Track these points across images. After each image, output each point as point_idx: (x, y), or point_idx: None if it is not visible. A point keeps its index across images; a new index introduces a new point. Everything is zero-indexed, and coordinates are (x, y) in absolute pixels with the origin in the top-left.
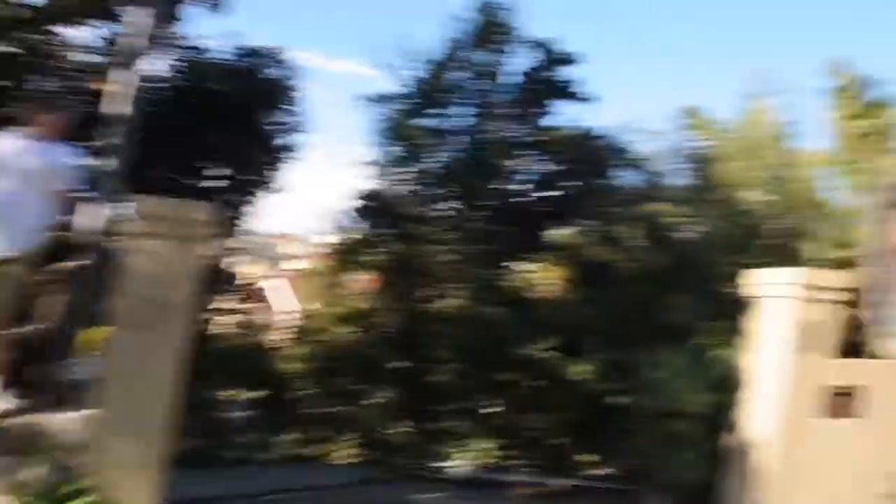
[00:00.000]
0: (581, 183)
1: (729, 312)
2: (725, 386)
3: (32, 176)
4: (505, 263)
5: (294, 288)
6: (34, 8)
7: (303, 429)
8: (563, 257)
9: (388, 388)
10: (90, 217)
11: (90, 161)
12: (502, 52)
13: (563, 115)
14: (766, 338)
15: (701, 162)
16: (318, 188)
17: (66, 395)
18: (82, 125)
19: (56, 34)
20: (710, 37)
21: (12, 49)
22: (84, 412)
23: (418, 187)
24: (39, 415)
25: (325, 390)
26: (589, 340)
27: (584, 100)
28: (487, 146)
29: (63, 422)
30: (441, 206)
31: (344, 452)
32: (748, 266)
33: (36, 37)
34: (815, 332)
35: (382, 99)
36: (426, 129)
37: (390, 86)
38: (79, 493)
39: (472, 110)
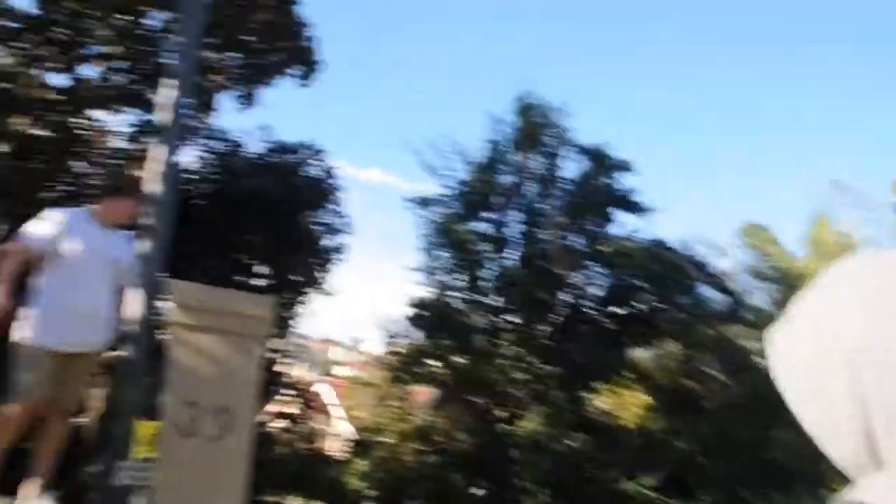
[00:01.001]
0: (656, 298)
1: None
2: None
3: (108, 265)
4: (581, 384)
5: (342, 395)
6: (69, 91)
7: None
8: (642, 381)
9: None
10: (137, 306)
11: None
12: (552, 155)
13: (622, 226)
14: None
15: (775, 281)
16: (361, 294)
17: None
18: None
19: (91, 119)
20: (764, 146)
21: (47, 132)
22: None
23: (475, 296)
24: None
25: None
26: (691, 477)
27: (643, 210)
28: (547, 255)
29: None
30: (502, 317)
31: None
32: None
33: (71, 120)
34: None
35: (427, 202)
36: (478, 234)
37: (432, 190)
38: None
39: (523, 216)
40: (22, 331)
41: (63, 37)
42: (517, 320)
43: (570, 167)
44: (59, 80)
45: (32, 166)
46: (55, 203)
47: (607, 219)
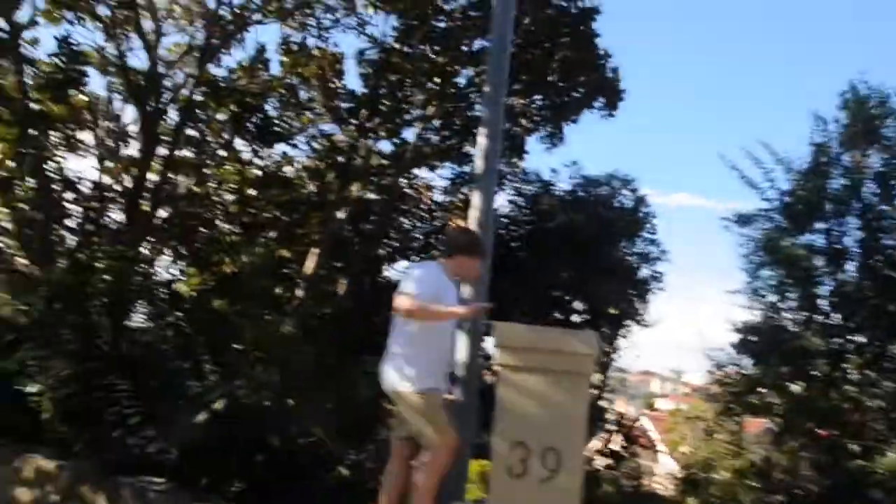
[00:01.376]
0: None
1: None
2: None
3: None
4: None
5: (664, 430)
6: (394, 156)
7: None
8: None
9: None
10: (464, 350)
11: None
12: (889, 148)
13: None
14: None
15: None
16: (679, 323)
17: None
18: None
19: (413, 177)
20: None
21: (374, 195)
22: None
23: (809, 316)
24: None
25: None
26: None
27: None
28: (892, 262)
29: None
30: (845, 337)
31: None
32: None
33: (397, 181)
34: None
35: (747, 219)
36: (807, 247)
37: (751, 206)
38: None
39: (859, 222)
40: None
41: (386, 108)
42: (864, 340)
43: None
44: (385, 146)
45: (365, 227)
46: (387, 258)
47: None
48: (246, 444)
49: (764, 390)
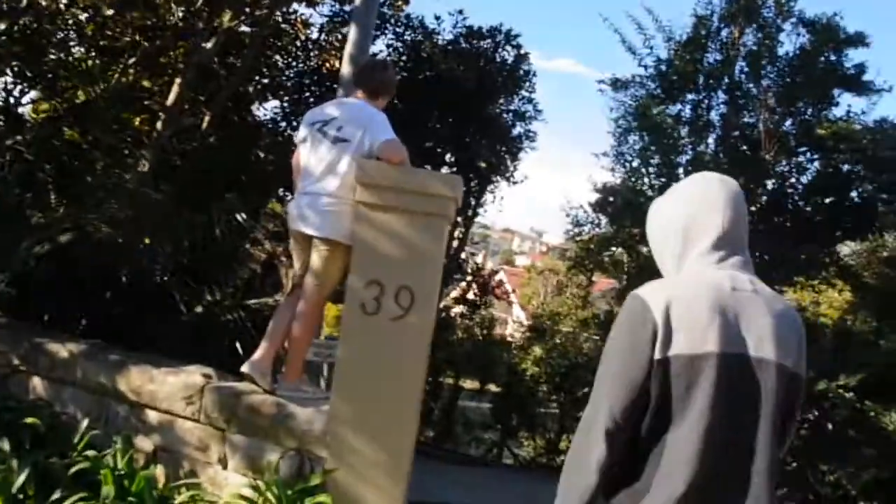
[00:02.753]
0: (875, 187)
1: None
2: None
3: None
4: (777, 278)
5: (520, 285)
6: None
7: (541, 434)
8: (847, 277)
9: None
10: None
11: None
12: (768, 29)
13: (844, 108)
14: None
15: None
16: (547, 185)
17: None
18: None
19: (291, 13)
20: None
21: (246, 27)
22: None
23: (667, 182)
24: (282, 396)
25: (567, 398)
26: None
27: (872, 90)
28: (751, 140)
29: (303, 407)
30: None
31: None
32: None
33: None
34: None
35: (622, 84)
36: (673, 117)
37: (628, 73)
38: (318, 488)
39: (725, 97)
40: None
41: None
42: None
43: (790, 43)
44: None
45: (234, 61)
46: (257, 96)
47: (828, 101)
48: (93, 280)
49: (615, 249)
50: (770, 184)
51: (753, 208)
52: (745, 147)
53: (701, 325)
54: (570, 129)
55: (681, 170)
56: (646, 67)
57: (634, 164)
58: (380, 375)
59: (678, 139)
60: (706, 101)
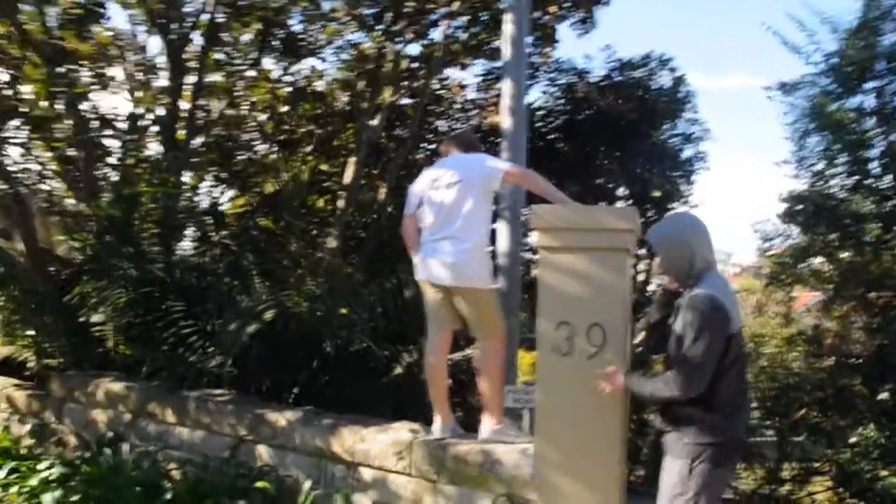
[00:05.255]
0: None
1: None
2: None
3: None
4: None
5: None
6: (423, 58)
7: (760, 464)
8: None
9: (869, 425)
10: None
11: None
12: None
13: None
14: None
15: None
16: (732, 205)
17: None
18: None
19: (445, 78)
20: None
21: (406, 99)
22: (523, 445)
23: (859, 180)
24: (488, 444)
25: (783, 423)
26: None
27: None
28: None
29: (508, 453)
30: (894, 200)
31: (819, 496)
32: None
33: (428, 83)
34: None
35: (791, 87)
36: (855, 110)
37: (801, 72)
38: None
39: None
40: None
41: (410, 9)
42: None
43: None
44: (413, 49)
45: (399, 132)
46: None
47: None
48: (298, 351)
49: (813, 259)
50: None
51: None
52: None
53: (734, 311)
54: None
55: (875, 163)
56: (815, 65)
57: (819, 166)
58: (581, 415)
59: (864, 132)
60: (890, 87)
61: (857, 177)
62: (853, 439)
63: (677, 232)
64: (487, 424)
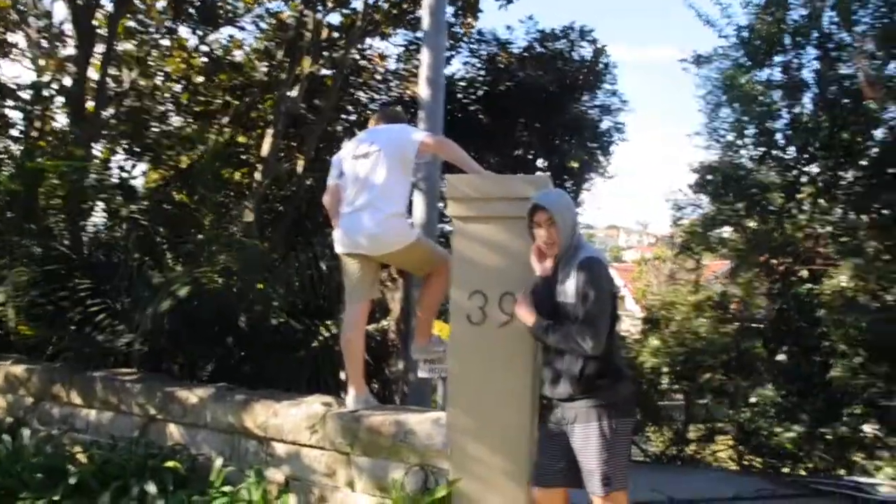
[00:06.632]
0: None
1: None
2: None
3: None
4: None
5: (631, 280)
6: (343, 28)
7: (668, 426)
8: None
9: (767, 385)
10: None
11: None
12: None
13: None
14: None
15: None
16: (650, 176)
17: (412, 396)
18: None
19: (367, 48)
20: None
21: (326, 70)
22: (436, 414)
23: (766, 151)
24: (401, 414)
25: (691, 386)
26: None
27: None
28: (851, 91)
29: (421, 423)
30: (797, 169)
31: (721, 455)
32: None
33: (348, 53)
34: None
35: (704, 59)
36: (763, 83)
37: (714, 46)
38: (444, 500)
39: (817, 52)
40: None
41: None
42: (817, 170)
43: None
44: (334, 18)
45: (319, 103)
46: (346, 133)
47: None
48: (213, 328)
49: (722, 228)
50: (880, 133)
51: (864, 162)
52: (846, 100)
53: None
54: (673, 118)
55: (779, 135)
56: (727, 38)
57: (729, 137)
58: (493, 383)
59: (772, 104)
60: (796, 61)
61: (763, 148)
62: (753, 399)
63: (566, 200)
64: (416, 344)
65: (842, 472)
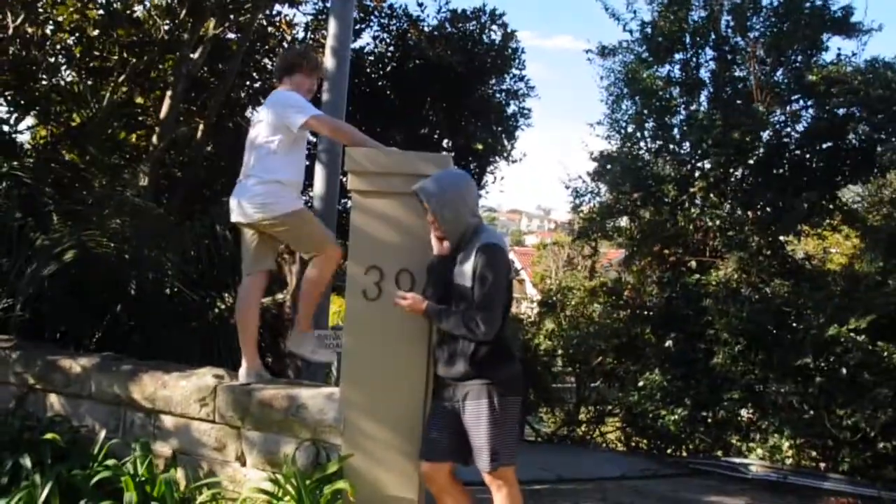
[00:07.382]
0: (873, 128)
1: None
2: None
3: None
4: (781, 228)
5: (531, 264)
6: None
7: (560, 408)
8: (851, 222)
9: (654, 370)
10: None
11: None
12: None
13: (834, 52)
14: None
15: None
16: (553, 163)
17: (306, 370)
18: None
19: (275, 14)
20: None
21: (232, 34)
22: (329, 389)
23: (663, 145)
24: (294, 389)
25: (583, 369)
26: None
27: (861, 31)
28: (743, 93)
29: (314, 398)
30: (691, 164)
31: (610, 436)
32: None
33: (255, 18)
34: None
35: (609, 51)
36: (663, 79)
37: (619, 38)
38: (335, 475)
39: (714, 53)
40: None
41: None
42: (709, 165)
43: None
44: None
45: (223, 67)
46: (249, 100)
47: (817, 47)
48: (101, 294)
49: (618, 217)
50: (766, 135)
51: (751, 161)
52: (738, 101)
53: None
54: (574, 106)
55: (675, 130)
56: (631, 32)
57: (629, 129)
58: (387, 359)
59: (671, 100)
60: (695, 60)
61: (661, 141)
62: (641, 383)
63: (450, 188)
64: (294, 332)
65: (719, 452)
